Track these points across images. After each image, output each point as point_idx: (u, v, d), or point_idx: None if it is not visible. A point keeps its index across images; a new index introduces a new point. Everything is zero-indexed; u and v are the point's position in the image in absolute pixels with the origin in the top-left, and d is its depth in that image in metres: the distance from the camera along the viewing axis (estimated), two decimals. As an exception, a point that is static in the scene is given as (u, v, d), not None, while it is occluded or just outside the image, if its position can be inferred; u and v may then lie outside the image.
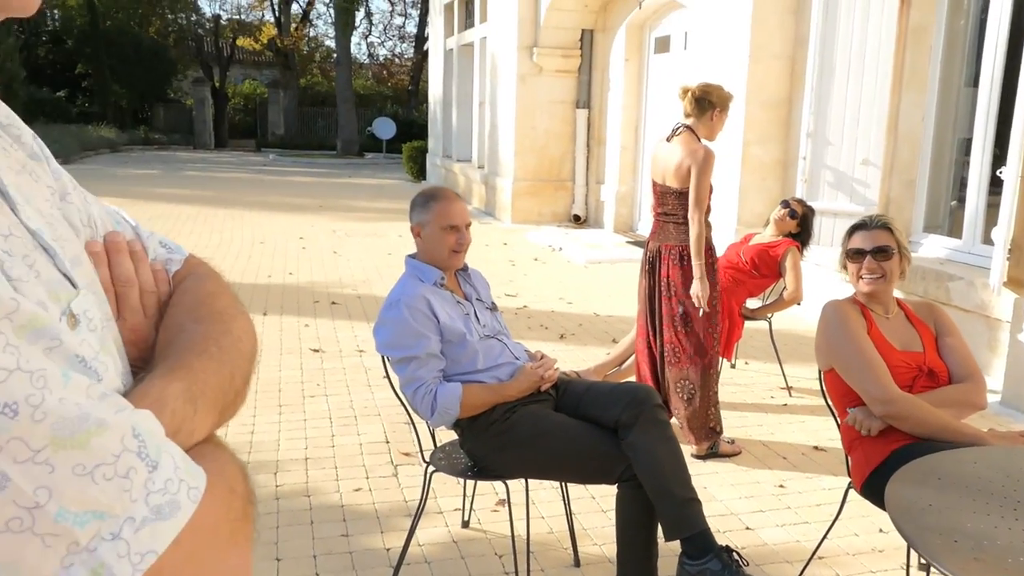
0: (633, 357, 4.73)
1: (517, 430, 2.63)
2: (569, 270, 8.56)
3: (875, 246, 2.69)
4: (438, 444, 2.91)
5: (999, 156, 5.08)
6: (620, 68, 10.44)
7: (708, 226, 3.85)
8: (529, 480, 2.79)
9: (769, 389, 4.89)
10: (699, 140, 3.84)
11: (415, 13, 33.08)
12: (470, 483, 3.19)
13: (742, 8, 7.18)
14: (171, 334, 0.77)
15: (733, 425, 4.19)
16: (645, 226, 10.22)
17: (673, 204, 3.87)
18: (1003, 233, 4.83)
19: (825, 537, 2.82)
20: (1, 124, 0.67)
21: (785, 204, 4.78)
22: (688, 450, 3.97)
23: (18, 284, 0.54)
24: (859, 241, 2.72)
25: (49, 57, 28.95)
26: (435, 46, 16.84)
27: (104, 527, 0.49)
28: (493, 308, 2.89)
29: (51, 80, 28.31)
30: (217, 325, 0.78)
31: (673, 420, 4.04)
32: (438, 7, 16.25)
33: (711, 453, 3.92)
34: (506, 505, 3.16)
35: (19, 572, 0.46)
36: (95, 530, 0.48)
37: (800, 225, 4.75)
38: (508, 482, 2.69)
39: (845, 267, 2.79)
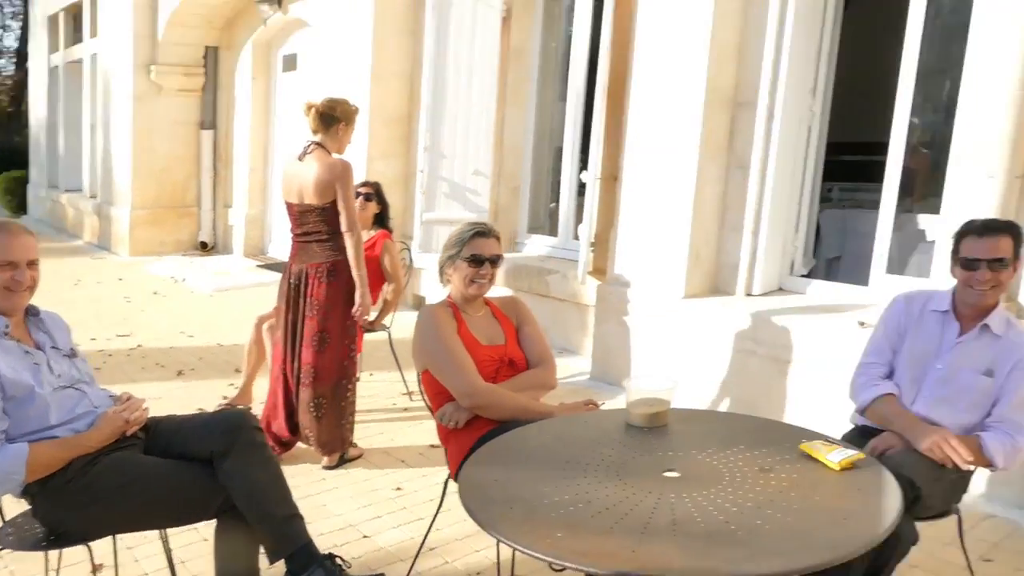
0: (249, 379, 4.53)
1: (99, 483, 2.32)
2: (192, 301, 7.98)
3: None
4: (7, 519, 2.44)
5: (585, 163, 5.62)
6: (247, 87, 10.05)
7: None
8: (126, 535, 2.45)
9: (391, 397, 4.92)
10: (331, 155, 3.81)
11: (16, 25, 29.09)
12: (53, 555, 2.72)
13: (363, 29, 7.27)
14: None
15: (356, 438, 4.10)
16: (276, 248, 9.93)
17: (315, 222, 3.78)
18: (587, 229, 5.39)
19: (430, 529, 2.84)
20: None
21: (355, 195, 4.81)
22: (323, 463, 3.86)
23: None
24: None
25: None
26: (38, 63, 14.95)
27: None
28: (72, 355, 2.52)
29: None
30: None
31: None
32: (40, 19, 14.50)
33: (342, 460, 3.92)
34: (102, 569, 2.79)
35: None
36: None
37: (379, 202, 4.87)
38: (95, 543, 2.35)
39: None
